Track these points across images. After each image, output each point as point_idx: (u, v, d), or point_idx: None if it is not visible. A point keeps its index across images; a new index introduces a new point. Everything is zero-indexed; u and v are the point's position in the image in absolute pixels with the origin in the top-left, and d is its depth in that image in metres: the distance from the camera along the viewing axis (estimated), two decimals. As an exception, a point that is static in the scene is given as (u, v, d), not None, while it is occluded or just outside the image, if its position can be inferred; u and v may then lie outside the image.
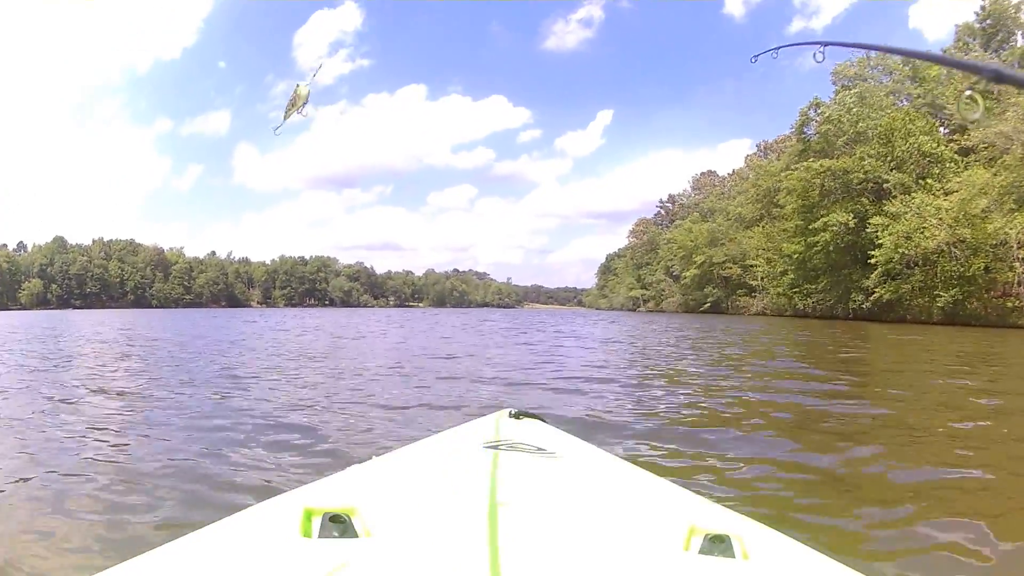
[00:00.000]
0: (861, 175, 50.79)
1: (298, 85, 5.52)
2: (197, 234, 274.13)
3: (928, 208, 43.15)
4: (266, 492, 4.09)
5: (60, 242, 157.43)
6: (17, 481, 4.64)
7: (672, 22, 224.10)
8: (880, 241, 46.01)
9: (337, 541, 1.45)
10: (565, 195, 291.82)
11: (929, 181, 45.71)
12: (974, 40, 51.16)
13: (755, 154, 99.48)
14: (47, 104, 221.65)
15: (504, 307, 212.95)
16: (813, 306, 58.70)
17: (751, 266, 74.67)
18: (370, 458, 2.36)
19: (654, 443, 6.10)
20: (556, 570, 1.37)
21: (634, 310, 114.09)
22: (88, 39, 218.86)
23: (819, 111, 60.41)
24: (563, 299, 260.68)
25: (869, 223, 47.77)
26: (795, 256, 59.35)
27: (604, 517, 1.78)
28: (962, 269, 40.99)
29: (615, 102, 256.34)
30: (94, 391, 9.40)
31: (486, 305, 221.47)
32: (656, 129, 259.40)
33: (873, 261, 46.86)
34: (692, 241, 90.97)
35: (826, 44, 3.12)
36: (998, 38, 50.16)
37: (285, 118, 5.55)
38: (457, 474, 2.08)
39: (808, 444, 6.18)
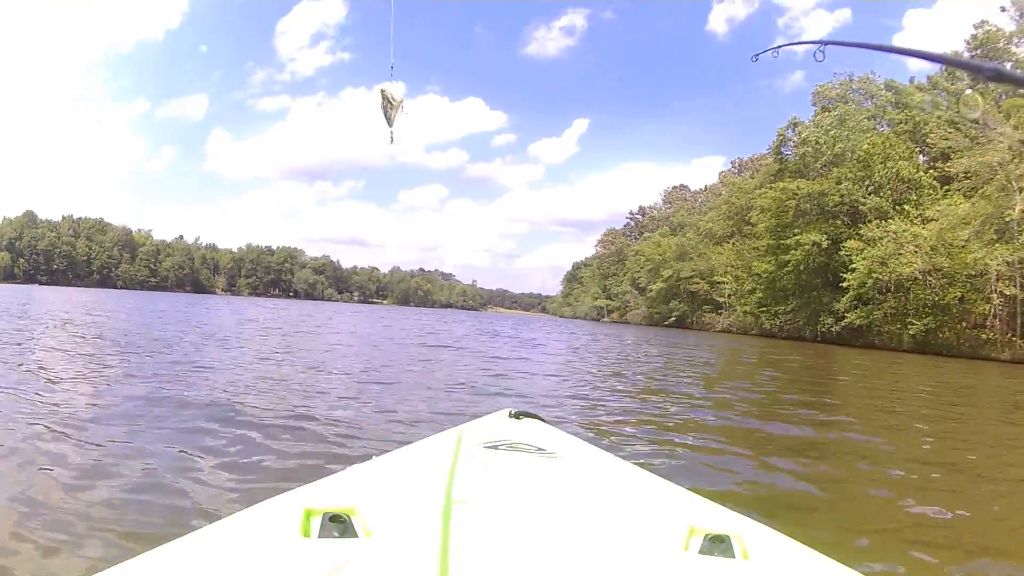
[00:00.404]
0: (837, 198, 50.37)
1: (383, 90, 5.24)
2: (168, 218, 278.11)
3: (905, 235, 42.69)
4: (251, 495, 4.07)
5: (30, 216, 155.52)
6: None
7: (655, 36, 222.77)
8: (853, 265, 45.44)
9: (337, 541, 1.46)
10: (536, 201, 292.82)
11: (906, 207, 45.29)
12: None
13: (729, 171, 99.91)
14: (27, 78, 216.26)
15: (468, 309, 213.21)
16: (780, 326, 58.27)
17: (719, 283, 74.33)
18: (370, 458, 2.38)
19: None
20: (556, 570, 1.39)
21: (598, 320, 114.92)
22: (74, 14, 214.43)
23: (797, 131, 59.94)
24: (527, 305, 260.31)
25: (843, 246, 47.24)
26: (765, 275, 58.74)
27: (604, 517, 1.81)
28: (936, 298, 40.59)
29: (592, 111, 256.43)
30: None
31: (450, 306, 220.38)
32: (631, 141, 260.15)
33: (845, 284, 46.29)
34: (660, 254, 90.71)
35: (826, 43, 3.13)
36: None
37: (391, 123, 5.28)
38: (457, 474, 2.01)
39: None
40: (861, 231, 46.61)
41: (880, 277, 43.43)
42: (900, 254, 42.28)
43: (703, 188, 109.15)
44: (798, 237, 52.12)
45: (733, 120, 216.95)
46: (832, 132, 53.62)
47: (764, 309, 61.03)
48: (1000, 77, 1.68)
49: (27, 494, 4.02)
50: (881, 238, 44.09)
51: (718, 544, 1.57)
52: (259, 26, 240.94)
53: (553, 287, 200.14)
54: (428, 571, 1.29)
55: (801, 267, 52.84)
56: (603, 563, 1.44)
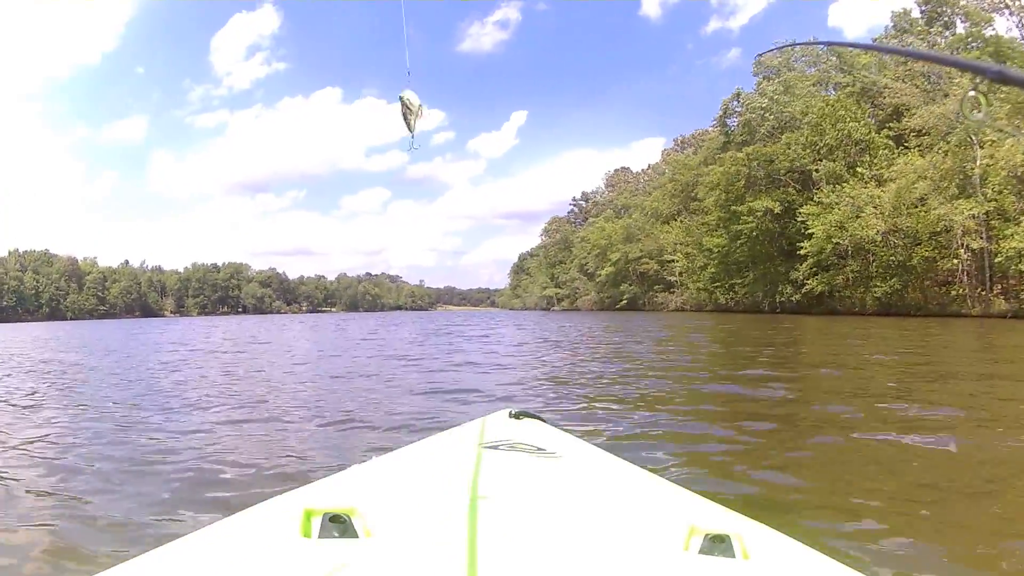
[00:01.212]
0: (787, 163, 49.63)
1: (401, 96, 4.92)
2: (112, 242, 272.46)
3: (862, 196, 41.94)
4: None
5: None
6: None
7: (588, 23, 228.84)
8: (810, 231, 44.73)
9: (337, 541, 1.46)
10: (478, 196, 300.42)
11: (860, 169, 44.43)
12: (911, 26, 50.08)
13: (672, 149, 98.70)
14: None
15: (417, 310, 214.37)
16: (736, 300, 57.74)
17: (669, 261, 73.64)
18: (370, 458, 2.36)
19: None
20: (557, 570, 1.38)
21: (548, 309, 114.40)
22: (9, 45, 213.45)
23: (741, 101, 59.09)
24: (476, 300, 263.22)
25: (800, 212, 46.51)
26: (717, 250, 58.04)
27: (603, 517, 1.81)
28: (901, 258, 39.96)
29: (529, 103, 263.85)
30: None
31: (399, 308, 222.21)
32: (570, 129, 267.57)
33: (803, 252, 45.61)
34: (607, 239, 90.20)
35: (828, 44, 3.91)
36: (940, 23, 48.90)
37: (412, 130, 4.96)
38: (457, 474, 2.00)
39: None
40: (816, 196, 45.89)
41: (840, 242, 42.76)
42: (859, 216, 41.58)
43: (646, 168, 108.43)
44: (750, 203, 51.51)
45: (671, 101, 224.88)
46: (778, 98, 52.89)
47: (718, 284, 60.40)
48: (1003, 78, 1.61)
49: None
50: (837, 203, 43.33)
51: (718, 544, 1.56)
52: (194, 43, 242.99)
53: (500, 281, 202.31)
54: (428, 571, 1.30)
55: (755, 236, 52.21)
56: (603, 563, 1.43)
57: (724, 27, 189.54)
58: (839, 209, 42.90)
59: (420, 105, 4.93)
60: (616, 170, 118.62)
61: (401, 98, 4.85)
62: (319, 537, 1.47)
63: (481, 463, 2.14)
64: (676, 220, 76.13)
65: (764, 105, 53.34)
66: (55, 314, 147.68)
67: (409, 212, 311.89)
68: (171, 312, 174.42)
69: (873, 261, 41.67)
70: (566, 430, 3.04)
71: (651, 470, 2.48)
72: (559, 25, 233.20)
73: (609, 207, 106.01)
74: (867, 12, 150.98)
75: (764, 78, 57.47)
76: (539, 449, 2.41)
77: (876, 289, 41.28)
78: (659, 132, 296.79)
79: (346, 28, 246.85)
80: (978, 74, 1.69)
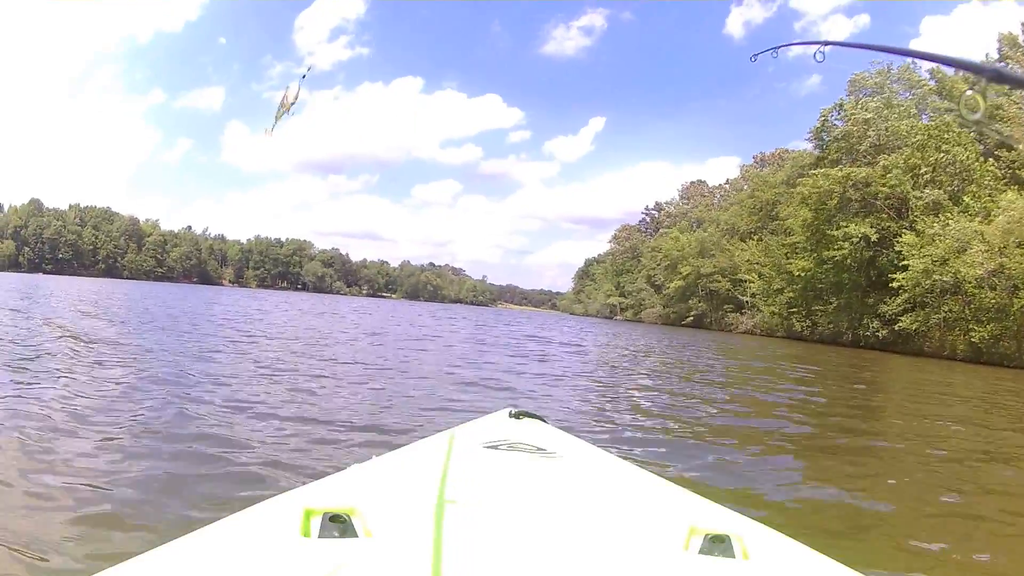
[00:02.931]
0: (887, 188, 45.43)
1: (288, 86, 5.42)
2: (180, 209, 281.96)
3: (968, 230, 37.89)
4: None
5: (36, 205, 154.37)
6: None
7: (672, 37, 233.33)
8: (905, 262, 40.68)
9: (337, 541, 1.46)
10: (549, 198, 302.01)
11: (967, 200, 40.63)
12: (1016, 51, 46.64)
13: (751, 166, 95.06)
14: (43, 68, 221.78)
15: (478, 305, 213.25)
16: (811, 329, 53.74)
17: (743, 281, 69.77)
18: (370, 458, 2.34)
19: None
20: (556, 570, 1.41)
21: (611, 317, 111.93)
22: (94, 5, 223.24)
23: (844, 112, 53.76)
24: (537, 301, 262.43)
25: (898, 242, 42.19)
26: (801, 273, 53.52)
27: (604, 517, 1.83)
28: (1002, 301, 36.04)
29: (608, 110, 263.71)
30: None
31: (459, 301, 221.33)
32: (646, 140, 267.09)
33: (896, 285, 41.45)
34: (679, 250, 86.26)
35: (827, 44, 3.12)
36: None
37: (277, 119, 5.43)
38: (457, 474, 2.01)
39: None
40: (917, 226, 41.61)
41: (940, 278, 38.62)
42: (964, 252, 37.53)
43: (725, 182, 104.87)
44: (845, 229, 46.87)
45: (748, 121, 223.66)
46: (884, 112, 48.72)
47: (795, 311, 56.25)
48: (1000, 78, 1.67)
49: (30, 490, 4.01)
50: (940, 235, 39.17)
51: (718, 544, 1.57)
52: (279, 20, 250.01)
53: (563, 284, 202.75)
54: (428, 571, 1.29)
55: (846, 263, 47.84)
56: (603, 563, 1.45)
57: (805, 52, 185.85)
58: (941, 242, 38.78)
59: (295, 103, 5.29)
60: (692, 182, 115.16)
61: (287, 87, 5.27)
62: (319, 537, 1.46)
63: (482, 463, 2.20)
64: (753, 238, 72.58)
65: (867, 118, 48.99)
66: (111, 271, 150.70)
67: (479, 207, 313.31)
68: (229, 282, 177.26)
69: (971, 303, 37.70)
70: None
71: (653, 471, 2.49)
72: (643, 36, 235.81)
73: (683, 219, 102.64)
74: (950, 45, 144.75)
75: (855, 100, 53.10)
76: (539, 449, 2.43)
77: (974, 334, 37.27)
78: (735, 151, 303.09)
79: (431, 19, 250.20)
80: (976, 74, 1.68)
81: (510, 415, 3.05)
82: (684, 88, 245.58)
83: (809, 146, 62.87)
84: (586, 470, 2.40)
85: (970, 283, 37.35)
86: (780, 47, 3.72)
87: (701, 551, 1.55)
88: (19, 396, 6.70)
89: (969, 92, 1.64)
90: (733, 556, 1.54)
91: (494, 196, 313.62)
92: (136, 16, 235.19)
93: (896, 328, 42.73)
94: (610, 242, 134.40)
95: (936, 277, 38.74)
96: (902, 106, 50.02)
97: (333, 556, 1.34)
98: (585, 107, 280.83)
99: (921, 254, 39.77)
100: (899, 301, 42.03)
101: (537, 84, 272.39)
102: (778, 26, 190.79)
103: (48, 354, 9.98)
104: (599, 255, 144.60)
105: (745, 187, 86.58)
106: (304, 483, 2.06)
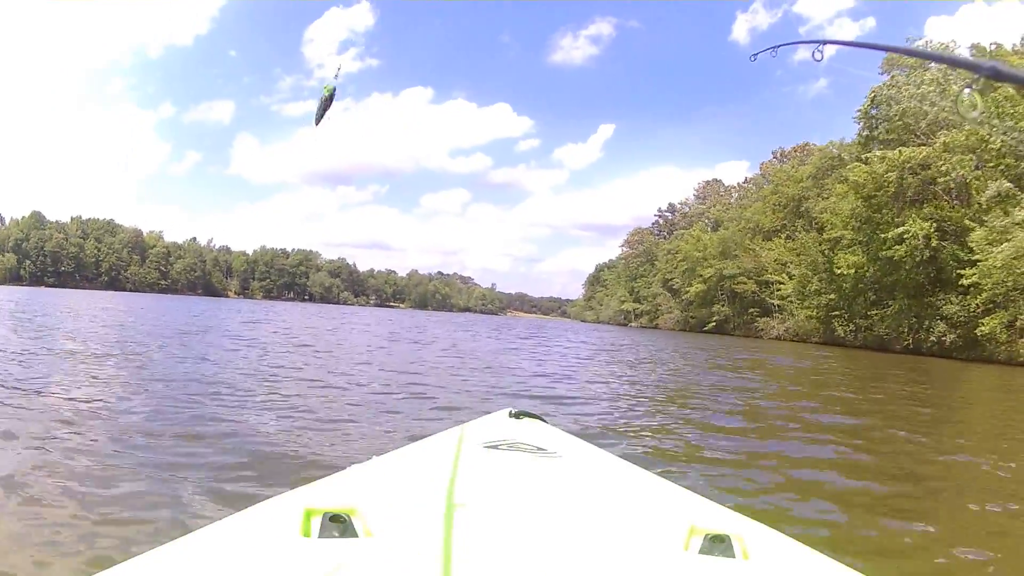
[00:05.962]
0: (946, 171, 39.83)
1: (325, 88, 4.84)
2: (188, 221, 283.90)
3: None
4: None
5: (37, 218, 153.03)
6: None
7: (679, 44, 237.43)
8: (978, 258, 35.39)
9: (337, 541, 1.47)
10: (558, 205, 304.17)
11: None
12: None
13: (770, 162, 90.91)
14: (53, 79, 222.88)
15: (487, 313, 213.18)
16: (854, 334, 48.87)
17: (770, 283, 65.43)
18: (370, 458, 2.34)
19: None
20: (556, 570, 1.41)
21: (625, 324, 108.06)
22: (103, 18, 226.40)
23: (897, 87, 46.08)
24: (547, 309, 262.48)
25: (971, 235, 36.51)
26: (848, 272, 47.43)
27: (603, 517, 1.82)
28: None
29: (617, 117, 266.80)
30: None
31: (468, 310, 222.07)
32: (655, 146, 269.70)
33: (967, 282, 36.25)
34: (699, 251, 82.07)
35: (824, 43, 3.12)
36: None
37: (317, 122, 4.80)
38: (457, 474, 2.02)
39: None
40: (987, 217, 36.18)
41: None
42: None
43: (744, 181, 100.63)
44: (907, 225, 40.77)
45: (757, 126, 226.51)
46: (937, 88, 42.58)
47: (837, 314, 51.33)
48: (998, 75, 1.67)
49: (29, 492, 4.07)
50: (1014, 224, 33.94)
51: (718, 544, 1.58)
52: (288, 33, 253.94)
53: (573, 291, 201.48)
54: (429, 572, 1.30)
55: (905, 260, 41.63)
56: (603, 563, 1.46)
57: (811, 58, 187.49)
58: (1020, 231, 33.42)
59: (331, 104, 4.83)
60: (707, 181, 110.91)
61: (325, 88, 4.83)
62: (319, 537, 1.47)
63: (482, 463, 2.17)
64: (780, 236, 68.71)
65: (924, 92, 43.12)
66: (114, 284, 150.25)
67: (488, 215, 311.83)
68: (234, 293, 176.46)
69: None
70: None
71: (653, 471, 2.44)
72: (650, 44, 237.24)
73: (699, 219, 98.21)
74: (964, 37, 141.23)
75: (891, 79, 46.91)
76: (539, 449, 2.42)
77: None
78: (744, 156, 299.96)
79: (440, 30, 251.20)
80: (973, 71, 1.72)
81: (510, 415, 3.00)
82: (692, 94, 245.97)
83: (851, 131, 56.68)
84: (586, 470, 2.38)
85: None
86: (779, 46, 3.67)
87: (701, 551, 1.56)
88: (19, 396, 7.05)
89: (967, 91, 1.62)
90: (733, 556, 1.54)
91: (503, 204, 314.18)
92: (147, 30, 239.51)
93: (976, 333, 36.86)
94: (622, 246, 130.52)
95: (1020, 272, 33.61)
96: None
97: (333, 556, 1.34)
98: (594, 114, 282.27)
99: (1003, 249, 34.26)
100: (980, 300, 36.45)
101: (546, 93, 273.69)
102: (783, 31, 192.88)
103: (47, 360, 10.51)
104: (611, 260, 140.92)
105: (766, 184, 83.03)
106: (304, 483, 1.94)
